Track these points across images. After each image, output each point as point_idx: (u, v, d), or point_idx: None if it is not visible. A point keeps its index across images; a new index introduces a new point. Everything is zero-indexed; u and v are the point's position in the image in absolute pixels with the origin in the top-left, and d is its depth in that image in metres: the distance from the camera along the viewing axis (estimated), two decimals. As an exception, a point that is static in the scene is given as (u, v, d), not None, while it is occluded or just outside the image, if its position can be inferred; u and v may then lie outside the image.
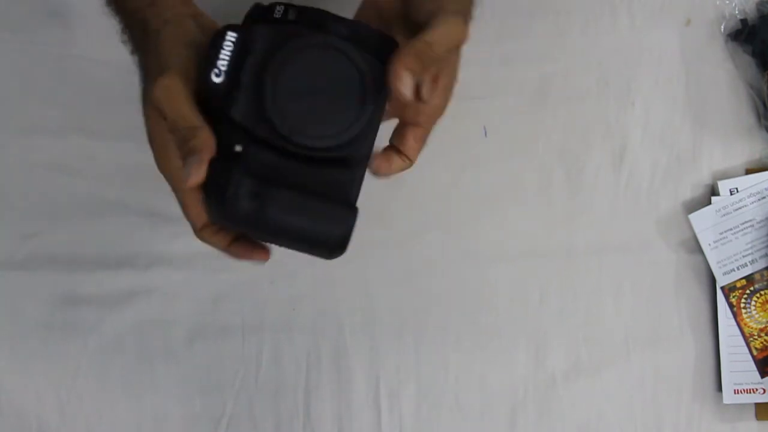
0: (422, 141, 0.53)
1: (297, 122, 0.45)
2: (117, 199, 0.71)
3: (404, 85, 0.46)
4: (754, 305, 0.70)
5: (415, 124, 0.52)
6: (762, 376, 0.69)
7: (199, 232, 0.53)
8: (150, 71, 0.51)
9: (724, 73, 0.71)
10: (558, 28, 0.71)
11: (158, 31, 0.50)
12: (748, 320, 0.70)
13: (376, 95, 0.46)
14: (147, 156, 0.71)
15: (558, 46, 0.71)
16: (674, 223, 0.71)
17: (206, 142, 0.46)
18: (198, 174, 0.45)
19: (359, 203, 0.48)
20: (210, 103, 0.47)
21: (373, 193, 0.50)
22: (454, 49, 0.50)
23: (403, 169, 0.53)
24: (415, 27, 0.49)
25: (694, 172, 0.71)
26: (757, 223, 0.69)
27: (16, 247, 0.71)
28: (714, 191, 0.70)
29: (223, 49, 0.46)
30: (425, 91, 0.48)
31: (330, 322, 0.71)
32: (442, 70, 0.50)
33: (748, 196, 0.69)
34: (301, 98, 0.45)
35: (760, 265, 0.70)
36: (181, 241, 0.71)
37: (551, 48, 0.70)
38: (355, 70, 0.46)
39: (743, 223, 0.69)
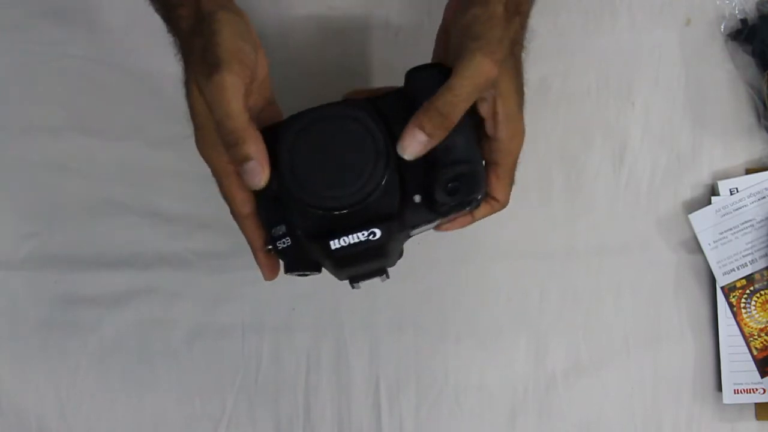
0: (505, 179, 0.55)
1: (314, 188, 0.49)
2: (117, 199, 0.71)
3: (407, 145, 0.49)
4: (754, 305, 0.70)
5: (493, 163, 0.54)
6: (762, 376, 0.69)
7: (243, 219, 0.52)
8: (199, 52, 0.49)
9: (724, 73, 0.71)
10: (558, 28, 0.71)
11: (212, 13, 0.49)
12: (748, 320, 0.70)
13: (389, 155, 0.49)
14: (147, 156, 0.71)
15: (558, 46, 0.71)
16: (674, 223, 0.71)
17: (258, 147, 0.48)
18: (258, 179, 0.48)
19: None
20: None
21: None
22: (486, 86, 0.50)
23: (494, 211, 0.56)
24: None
25: (694, 172, 0.71)
26: (757, 223, 0.69)
27: (16, 247, 0.71)
28: (714, 191, 0.70)
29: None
30: (488, 127, 0.52)
31: (330, 322, 0.71)
32: (499, 104, 0.52)
33: (748, 196, 0.69)
34: (317, 166, 0.49)
35: (760, 265, 0.70)
36: (181, 241, 0.71)
37: (551, 48, 0.70)
38: (368, 133, 0.49)
39: (743, 223, 0.69)
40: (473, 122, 0.52)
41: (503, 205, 0.56)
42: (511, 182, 0.56)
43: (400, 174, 0.50)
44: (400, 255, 0.55)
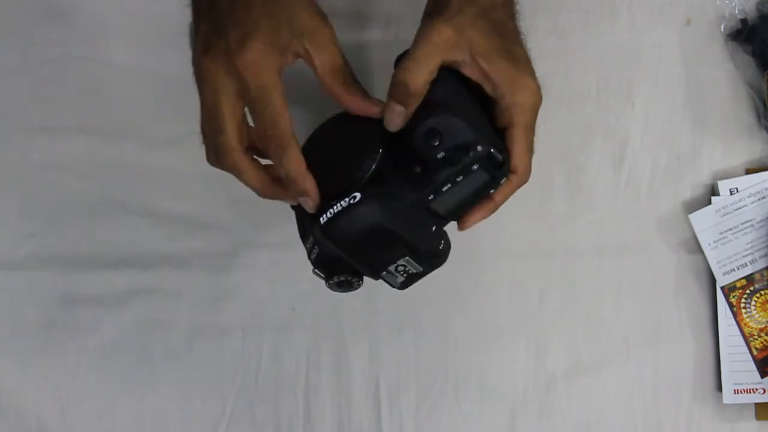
0: (521, 141, 0.54)
1: (318, 176, 0.51)
2: (117, 199, 0.71)
3: (387, 119, 0.51)
4: (754, 305, 0.70)
5: (508, 126, 0.53)
6: (762, 376, 0.69)
7: (290, 139, 0.50)
8: (275, 27, 0.49)
9: (724, 73, 0.70)
10: (558, 28, 0.71)
11: None
12: (748, 320, 0.70)
13: (383, 140, 0.52)
14: (147, 156, 0.71)
15: (558, 46, 0.71)
16: (674, 223, 0.71)
17: (313, 191, 0.50)
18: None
19: None
20: None
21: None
22: (444, 48, 0.50)
23: (515, 187, 0.55)
24: None
25: (694, 172, 0.71)
26: (757, 223, 0.69)
27: (16, 247, 0.71)
28: (714, 191, 0.70)
29: None
30: (488, 89, 0.52)
31: (330, 322, 0.71)
32: (482, 63, 0.51)
33: (748, 196, 0.69)
34: (319, 165, 0.51)
35: (760, 265, 0.70)
36: (181, 241, 0.71)
37: (551, 48, 0.70)
38: (364, 128, 0.52)
39: (743, 223, 0.69)
40: (453, 84, 0.53)
41: (522, 177, 0.55)
42: (530, 149, 0.54)
43: (400, 154, 0.52)
44: (446, 247, 0.55)
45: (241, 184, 0.52)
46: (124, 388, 0.71)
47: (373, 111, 0.52)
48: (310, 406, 0.71)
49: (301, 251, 0.72)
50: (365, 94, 0.52)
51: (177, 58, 0.70)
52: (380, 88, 0.57)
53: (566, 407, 0.71)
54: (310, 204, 0.51)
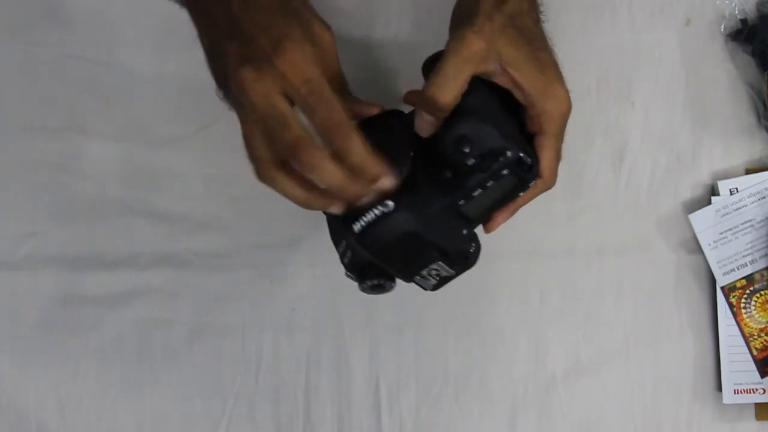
0: (549, 149, 0.54)
1: None
2: (117, 199, 0.71)
3: (418, 126, 0.52)
4: (754, 305, 0.70)
5: (537, 134, 0.54)
6: (762, 376, 0.69)
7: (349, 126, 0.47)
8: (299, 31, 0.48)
9: (724, 73, 0.70)
10: (558, 28, 0.71)
11: None
12: (748, 320, 0.70)
13: (415, 144, 0.52)
14: (147, 156, 0.71)
15: (558, 46, 0.70)
16: (674, 223, 0.71)
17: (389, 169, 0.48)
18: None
19: None
20: None
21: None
22: (476, 59, 0.51)
23: (539, 192, 0.56)
24: None
25: (694, 172, 0.71)
26: (757, 223, 0.69)
27: (16, 247, 0.71)
28: (714, 191, 0.70)
29: None
30: (519, 97, 0.53)
31: (330, 322, 0.71)
32: (512, 72, 0.52)
33: (748, 196, 0.69)
34: None
35: (760, 265, 0.70)
36: (181, 241, 0.71)
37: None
38: (396, 133, 0.53)
39: (743, 223, 0.69)
40: (483, 91, 0.53)
41: (547, 182, 0.56)
42: (557, 156, 0.55)
43: (430, 159, 0.52)
44: (476, 249, 0.56)
45: (246, 186, 0.51)
46: (124, 388, 0.71)
47: (373, 111, 0.52)
48: (310, 406, 0.71)
49: (301, 251, 0.72)
50: (359, 100, 0.52)
51: (177, 58, 0.70)
52: (382, 89, 0.57)
53: (566, 407, 0.71)
54: (386, 185, 0.49)
